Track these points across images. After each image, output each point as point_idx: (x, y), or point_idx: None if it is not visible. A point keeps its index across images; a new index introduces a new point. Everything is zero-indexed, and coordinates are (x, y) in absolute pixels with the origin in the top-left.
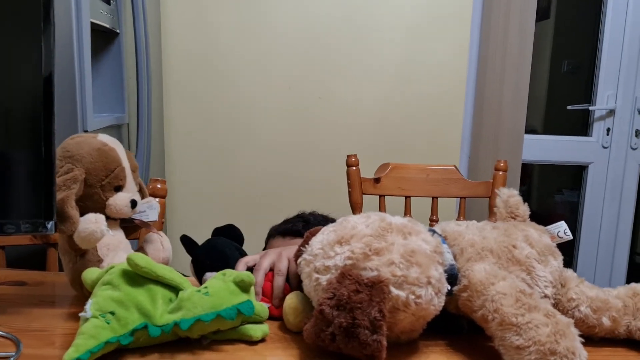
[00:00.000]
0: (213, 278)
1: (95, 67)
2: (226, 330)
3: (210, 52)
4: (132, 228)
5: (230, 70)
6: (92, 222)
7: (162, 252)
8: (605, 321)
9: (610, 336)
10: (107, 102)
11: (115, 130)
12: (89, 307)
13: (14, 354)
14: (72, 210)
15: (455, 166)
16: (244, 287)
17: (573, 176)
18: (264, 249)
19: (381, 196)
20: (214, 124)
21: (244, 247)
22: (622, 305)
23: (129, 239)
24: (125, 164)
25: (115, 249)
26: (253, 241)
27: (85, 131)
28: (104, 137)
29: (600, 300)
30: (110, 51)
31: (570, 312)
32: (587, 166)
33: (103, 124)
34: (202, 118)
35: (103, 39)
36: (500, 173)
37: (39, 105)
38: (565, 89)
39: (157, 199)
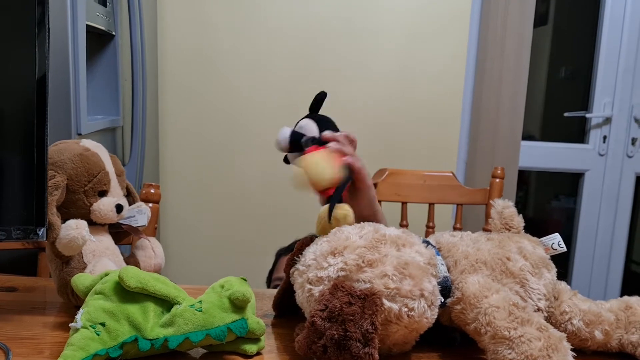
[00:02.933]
0: (210, 291)
1: (90, 70)
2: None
3: (206, 55)
4: (123, 233)
5: (227, 72)
6: (73, 229)
7: (154, 259)
8: (598, 334)
9: (603, 349)
10: (102, 105)
11: (109, 133)
12: (80, 317)
13: None
14: (53, 217)
15: (452, 172)
16: (238, 304)
17: (570, 183)
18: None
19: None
20: (210, 127)
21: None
22: (614, 318)
23: (121, 244)
24: (109, 168)
25: (100, 255)
26: (250, 245)
27: (79, 134)
28: (87, 142)
29: (593, 314)
30: (106, 53)
31: (562, 325)
32: (584, 173)
33: (97, 127)
34: (198, 121)
35: (98, 41)
36: (497, 180)
37: (31, 110)
38: (563, 96)
39: (151, 204)
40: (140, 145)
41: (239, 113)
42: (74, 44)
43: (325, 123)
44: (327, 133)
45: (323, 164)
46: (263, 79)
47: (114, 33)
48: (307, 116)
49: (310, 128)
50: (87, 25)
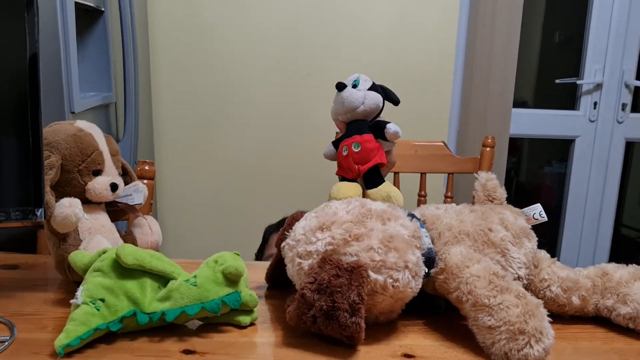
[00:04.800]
0: (204, 266)
1: (80, 47)
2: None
3: (198, 28)
4: (121, 211)
5: (219, 45)
6: (66, 207)
7: (151, 236)
8: (575, 300)
9: (580, 314)
10: (94, 82)
11: (102, 110)
12: (80, 293)
13: (8, 338)
14: (47, 195)
15: (443, 142)
16: (232, 279)
17: (562, 148)
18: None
19: None
20: (202, 102)
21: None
22: (591, 284)
23: (120, 221)
24: (103, 148)
25: (96, 232)
26: (246, 217)
27: (73, 113)
28: (81, 123)
29: (571, 280)
30: (96, 30)
31: (542, 292)
32: (574, 139)
33: (90, 105)
34: (191, 95)
35: (87, 17)
36: (488, 149)
37: (24, 92)
38: (556, 62)
39: (146, 181)
40: (134, 120)
41: (232, 85)
42: (64, 21)
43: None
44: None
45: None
46: (255, 50)
47: (103, 9)
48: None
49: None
50: (76, 2)
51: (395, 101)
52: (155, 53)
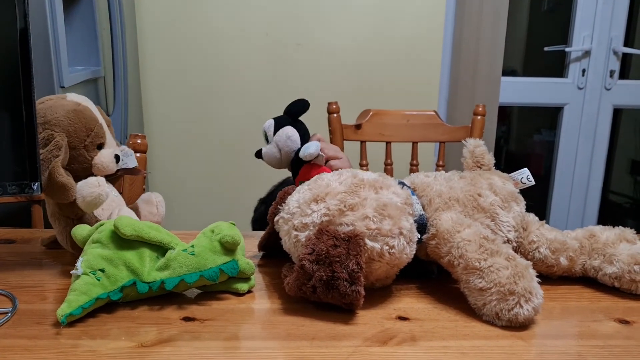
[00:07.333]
0: (201, 235)
1: (67, 21)
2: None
3: (185, 1)
4: (113, 179)
5: (207, 17)
6: (96, 186)
7: (156, 217)
8: (563, 261)
9: (568, 275)
10: (82, 56)
11: (91, 84)
12: (80, 264)
13: (10, 309)
14: (64, 177)
15: (435, 111)
16: (228, 247)
17: (551, 116)
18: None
19: (362, 142)
20: (191, 74)
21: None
22: (578, 245)
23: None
24: (102, 120)
25: (109, 207)
26: (237, 189)
27: (62, 87)
28: (75, 97)
29: (559, 242)
30: (82, 3)
31: (531, 253)
32: (563, 107)
33: (79, 79)
34: (179, 66)
35: None
36: (479, 117)
37: (16, 66)
38: (545, 29)
39: (138, 154)
40: (123, 94)
41: (220, 58)
42: None
43: (304, 132)
44: (330, 153)
45: None
46: (243, 22)
47: None
48: (290, 123)
49: (296, 139)
50: None
51: (297, 108)
52: (142, 25)
